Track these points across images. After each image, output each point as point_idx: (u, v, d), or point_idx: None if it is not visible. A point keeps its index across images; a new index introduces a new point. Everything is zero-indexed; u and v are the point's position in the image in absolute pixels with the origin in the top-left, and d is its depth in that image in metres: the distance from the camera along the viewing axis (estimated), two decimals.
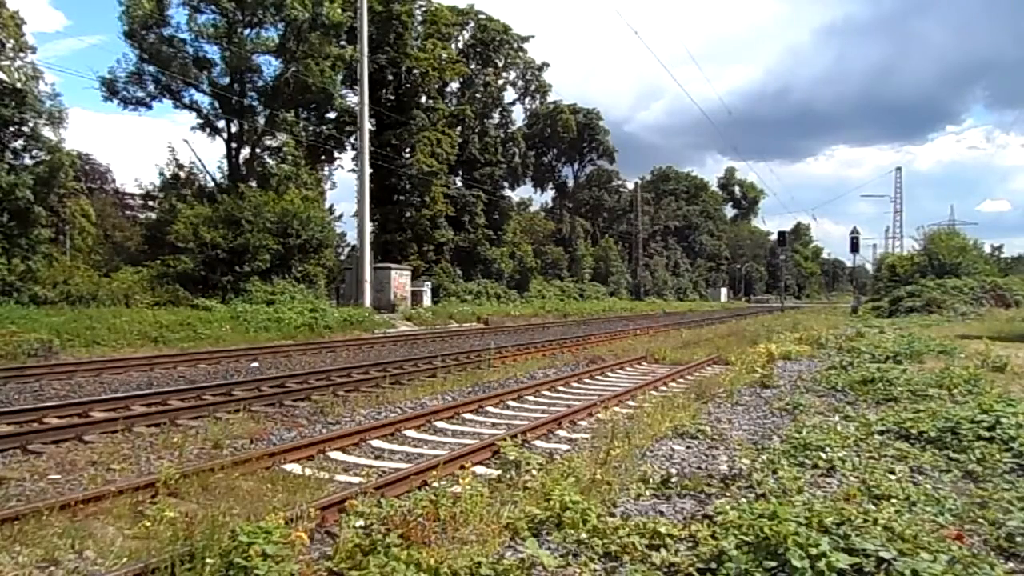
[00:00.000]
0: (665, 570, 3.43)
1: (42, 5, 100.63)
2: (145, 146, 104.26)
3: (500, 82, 51.49)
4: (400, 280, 33.84)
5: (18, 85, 23.00)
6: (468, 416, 9.38)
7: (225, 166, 32.90)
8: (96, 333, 17.66)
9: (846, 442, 5.99)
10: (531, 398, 11.00)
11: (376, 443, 7.76)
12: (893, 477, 4.98)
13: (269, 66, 32.69)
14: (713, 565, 3.35)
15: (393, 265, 34.52)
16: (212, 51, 30.88)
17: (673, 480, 5.00)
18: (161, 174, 33.07)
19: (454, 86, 46.96)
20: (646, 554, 3.57)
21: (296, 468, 6.56)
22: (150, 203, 37.98)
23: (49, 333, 16.37)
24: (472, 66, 48.33)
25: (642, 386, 11.83)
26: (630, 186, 73.68)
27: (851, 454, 5.58)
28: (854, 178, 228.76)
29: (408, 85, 41.01)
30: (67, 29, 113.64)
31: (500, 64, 51.35)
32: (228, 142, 32.52)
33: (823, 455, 5.48)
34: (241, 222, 26.94)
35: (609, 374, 14.18)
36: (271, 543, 3.35)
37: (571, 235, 61.86)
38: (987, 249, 45.44)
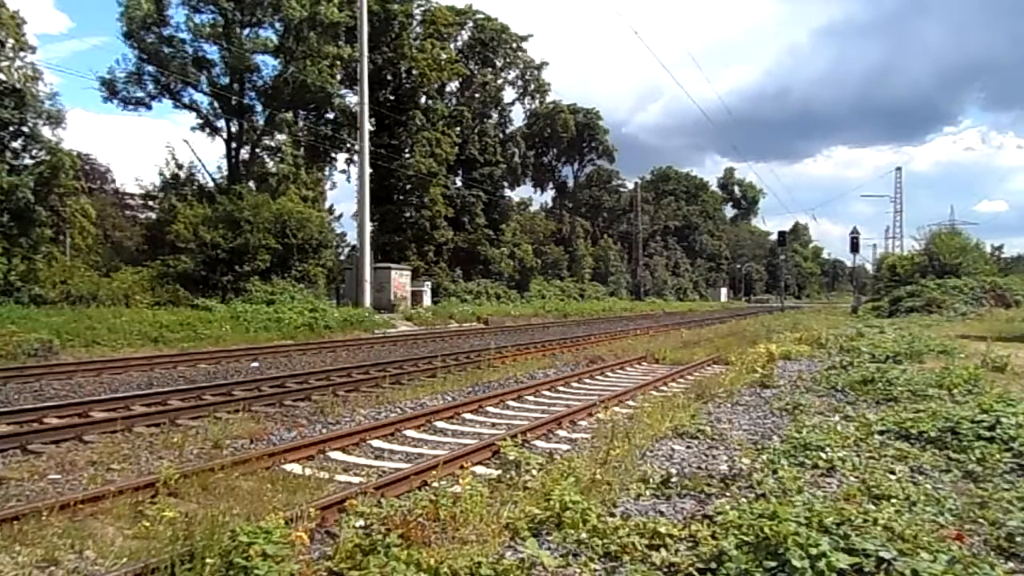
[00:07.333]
0: (665, 570, 3.42)
1: (46, 7, 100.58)
2: (145, 146, 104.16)
3: (499, 82, 51.48)
4: (400, 280, 33.83)
5: (17, 85, 23.00)
6: (468, 416, 9.38)
7: (224, 166, 32.93)
8: (96, 333, 17.66)
9: (846, 442, 5.99)
10: (531, 398, 10.99)
11: (376, 443, 7.76)
12: (893, 477, 4.98)
13: (268, 66, 32.76)
14: (713, 565, 3.35)
15: (393, 265, 34.50)
16: (211, 51, 30.93)
17: (673, 480, 5.00)
18: (161, 174, 33.12)
19: (453, 86, 46.93)
20: (646, 554, 3.57)
21: (296, 468, 6.56)
22: (150, 203, 38.02)
23: (49, 333, 16.36)
24: (471, 66, 48.26)
25: (642, 386, 11.83)
26: (630, 186, 73.72)
27: (851, 454, 5.58)
28: (853, 178, 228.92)
29: (407, 85, 40.97)
30: (71, 31, 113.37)
31: (499, 64, 51.33)
32: (228, 142, 32.53)
33: (823, 455, 5.48)
34: (241, 222, 26.97)
35: (609, 374, 14.17)
36: (271, 543, 3.35)
37: (571, 235, 61.84)
38: (987, 249, 45.46)
